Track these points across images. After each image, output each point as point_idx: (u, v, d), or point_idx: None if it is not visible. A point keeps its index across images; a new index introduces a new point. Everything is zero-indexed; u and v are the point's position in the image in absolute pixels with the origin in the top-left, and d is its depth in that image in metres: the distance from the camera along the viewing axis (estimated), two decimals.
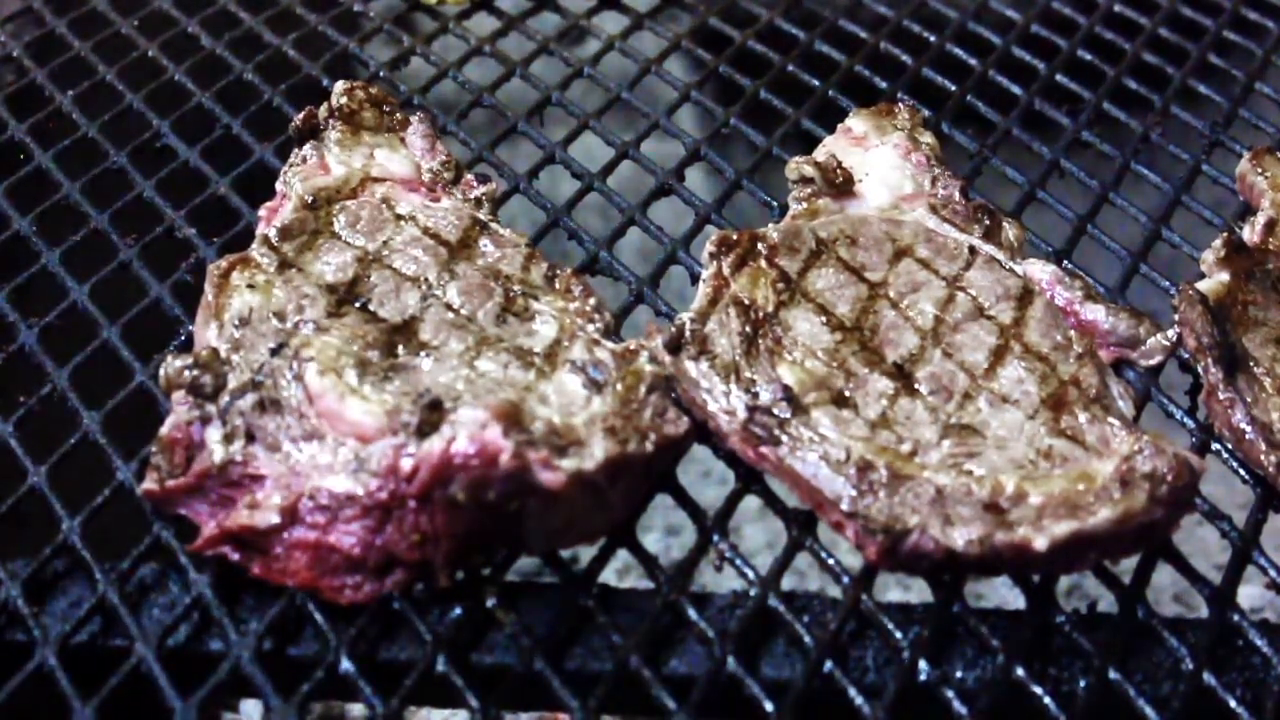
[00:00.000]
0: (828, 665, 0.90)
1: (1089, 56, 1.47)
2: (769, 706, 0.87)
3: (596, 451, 0.92)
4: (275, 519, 0.91)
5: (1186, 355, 1.07)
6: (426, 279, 1.07)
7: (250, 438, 0.94)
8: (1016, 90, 1.41)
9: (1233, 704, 0.89)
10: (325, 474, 0.91)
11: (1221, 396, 1.01)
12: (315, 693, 0.89)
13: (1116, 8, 1.57)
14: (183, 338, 1.11)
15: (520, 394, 0.95)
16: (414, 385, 0.96)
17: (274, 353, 0.98)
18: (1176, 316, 1.08)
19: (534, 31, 1.52)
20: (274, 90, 1.40)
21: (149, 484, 0.96)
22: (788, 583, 0.96)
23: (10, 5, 1.57)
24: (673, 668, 0.92)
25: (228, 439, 0.94)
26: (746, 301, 1.04)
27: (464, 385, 0.96)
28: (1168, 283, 1.15)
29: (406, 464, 0.90)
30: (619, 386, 0.97)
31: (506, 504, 0.90)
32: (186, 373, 0.97)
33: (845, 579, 0.94)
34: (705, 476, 1.33)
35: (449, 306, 1.04)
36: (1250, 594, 1.18)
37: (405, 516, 0.90)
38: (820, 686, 0.89)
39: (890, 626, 0.92)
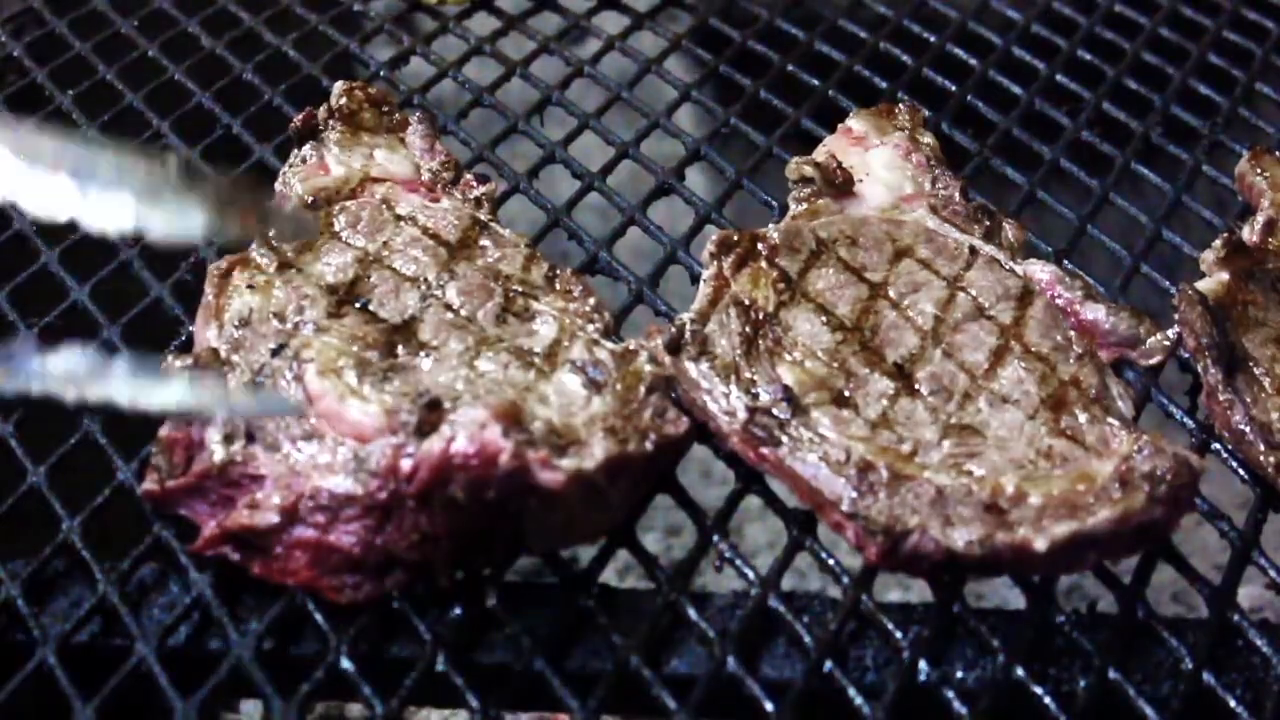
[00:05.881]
0: (828, 665, 0.90)
1: (1089, 56, 1.47)
2: (769, 706, 0.87)
3: (596, 451, 0.92)
4: (275, 519, 0.91)
5: (1186, 355, 1.07)
6: (426, 279, 1.07)
7: (250, 438, 0.94)
8: (1017, 90, 1.41)
9: (1232, 704, 0.89)
10: (325, 474, 0.91)
11: (1221, 397, 1.01)
12: (315, 693, 0.89)
13: (1116, 8, 1.57)
14: (183, 338, 1.11)
15: (520, 394, 0.95)
16: (414, 385, 0.96)
17: (274, 353, 0.98)
18: (1176, 316, 1.08)
19: (534, 31, 1.52)
20: (274, 90, 1.40)
21: (149, 484, 0.96)
22: (788, 583, 0.96)
23: (10, 5, 1.57)
24: (673, 668, 0.92)
25: (227, 439, 0.94)
26: (747, 302, 1.04)
27: (464, 385, 0.96)
28: (1168, 283, 1.15)
29: (406, 464, 0.90)
30: (619, 387, 0.97)
31: (506, 504, 0.90)
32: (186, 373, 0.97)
33: (845, 579, 0.94)
34: (705, 476, 1.33)
35: (449, 307, 1.04)
36: (1250, 594, 1.18)
37: (405, 516, 0.90)
38: (820, 686, 0.89)
39: (890, 626, 0.92)
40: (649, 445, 0.94)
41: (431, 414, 0.91)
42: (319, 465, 0.92)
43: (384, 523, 0.90)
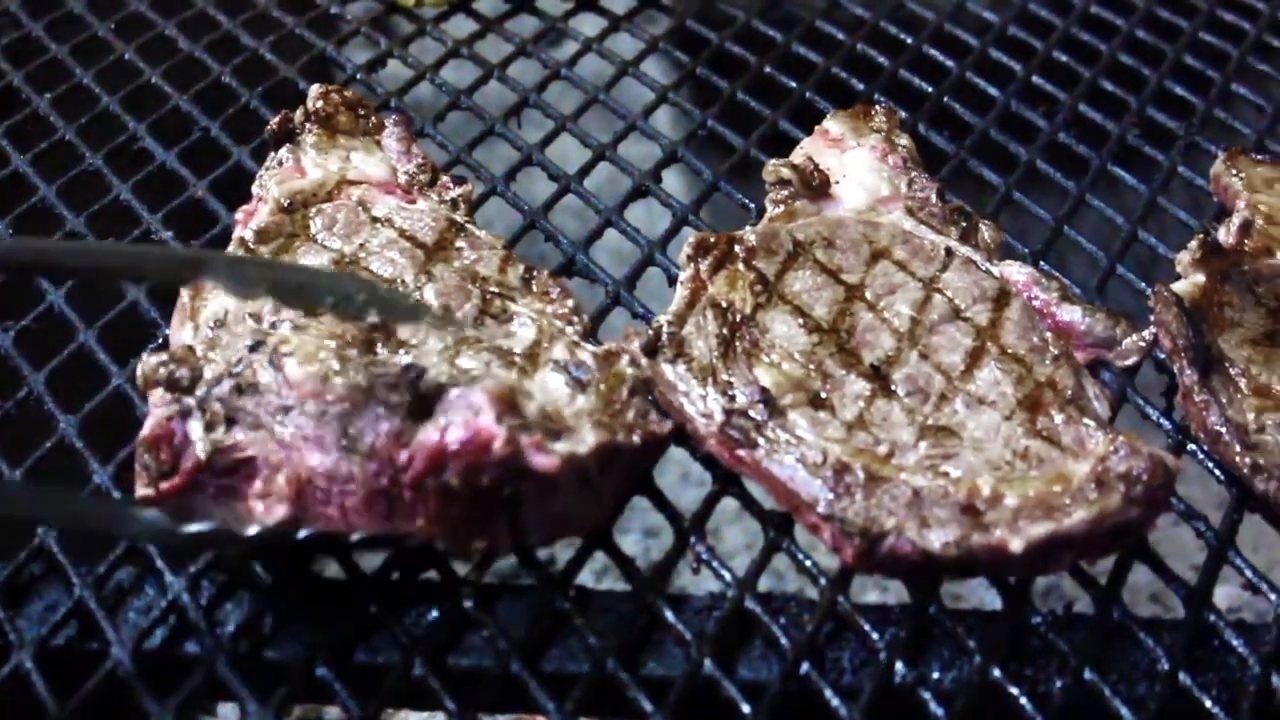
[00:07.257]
0: (804, 667, 0.90)
1: (1065, 58, 1.48)
2: (746, 708, 0.87)
3: (588, 438, 0.92)
4: (285, 513, 0.91)
5: (1162, 356, 1.07)
6: (404, 281, 1.06)
7: (230, 421, 0.93)
8: (993, 92, 1.42)
9: (1208, 704, 0.89)
10: (313, 448, 0.91)
11: (1197, 398, 1.02)
12: (292, 696, 0.89)
13: (1093, 9, 1.58)
14: (159, 340, 1.11)
15: None
16: None
17: (252, 350, 0.97)
18: (1152, 318, 1.08)
19: (511, 34, 1.52)
20: (251, 93, 1.40)
21: (143, 489, 0.94)
22: (765, 584, 0.96)
23: None
24: (650, 670, 0.92)
25: (209, 427, 0.93)
26: (724, 304, 1.04)
27: (447, 380, 0.96)
28: (1144, 284, 1.15)
29: (403, 455, 0.89)
30: (602, 388, 0.97)
31: (500, 489, 0.90)
32: (162, 369, 0.95)
33: (822, 580, 0.94)
34: (683, 478, 1.34)
35: None
36: (1226, 594, 1.18)
37: (403, 502, 0.90)
38: (797, 688, 0.89)
39: (867, 628, 0.92)
40: (636, 439, 0.94)
41: (417, 382, 0.91)
42: (307, 437, 0.91)
43: (391, 510, 0.90)
